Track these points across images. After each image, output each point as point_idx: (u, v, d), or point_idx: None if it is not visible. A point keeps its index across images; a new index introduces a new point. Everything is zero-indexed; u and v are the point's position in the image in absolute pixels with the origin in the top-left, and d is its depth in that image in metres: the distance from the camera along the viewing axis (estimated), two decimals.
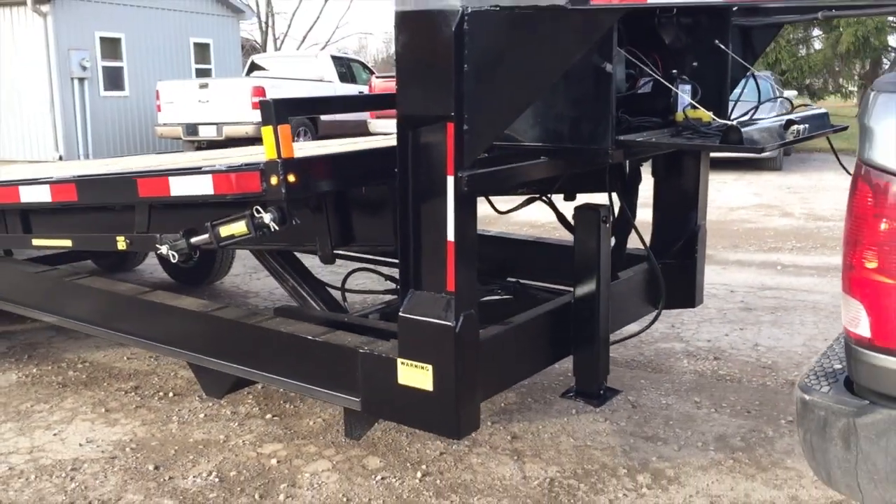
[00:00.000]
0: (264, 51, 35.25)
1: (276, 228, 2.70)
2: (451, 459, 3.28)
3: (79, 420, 3.74)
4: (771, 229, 7.97)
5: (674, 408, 3.75)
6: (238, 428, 3.60)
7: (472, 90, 2.26)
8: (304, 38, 39.26)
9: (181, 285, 5.91)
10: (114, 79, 16.10)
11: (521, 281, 3.71)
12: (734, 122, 2.38)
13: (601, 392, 3.17)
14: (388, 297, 3.81)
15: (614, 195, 3.31)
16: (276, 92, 13.54)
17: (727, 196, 10.25)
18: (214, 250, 5.68)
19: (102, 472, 3.24)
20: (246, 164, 2.70)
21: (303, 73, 15.34)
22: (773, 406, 3.75)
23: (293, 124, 10.48)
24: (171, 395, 4.00)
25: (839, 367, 1.96)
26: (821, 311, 5.22)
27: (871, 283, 1.70)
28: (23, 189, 3.44)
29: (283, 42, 38.17)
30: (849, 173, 3.15)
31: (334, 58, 16.15)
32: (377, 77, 13.92)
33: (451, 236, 2.35)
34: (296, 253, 3.94)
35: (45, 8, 14.93)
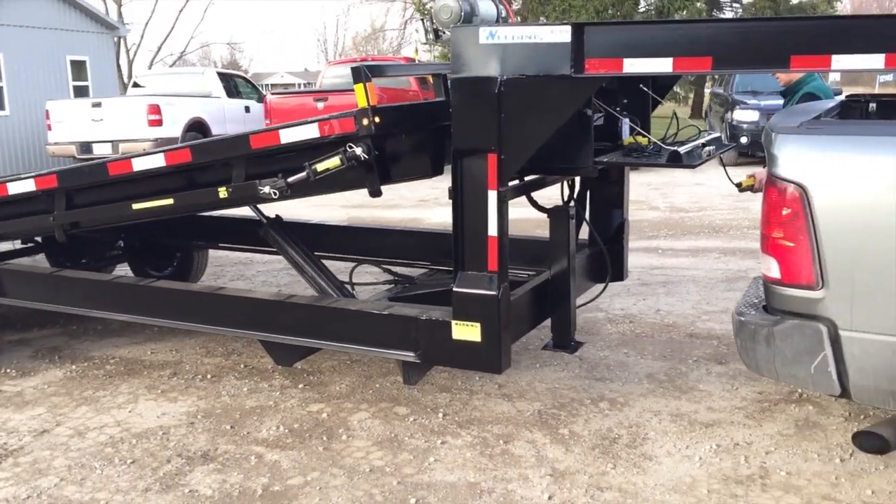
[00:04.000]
0: (118, 61, 34.71)
1: (366, 158, 3.64)
2: (459, 404, 4.31)
3: (143, 400, 4.51)
4: (645, 221, 9.42)
5: (610, 358, 4.94)
6: (280, 396, 4.49)
7: (507, 131, 3.32)
8: (159, 48, 39.10)
9: None
10: None
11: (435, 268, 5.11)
12: (675, 148, 3.55)
13: (572, 343, 4.30)
14: (387, 287, 4.79)
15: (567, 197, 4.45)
16: (170, 109, 14.01)
17: None
18: (190, 253, 6.48)
19: (190, 434, 4.06)
20: (343, 113, 3.69)
21: (189, 89, 15.74)
22: (682, 351, 5.01)
23: (186, 135, 11.24)
24: (208, 376, 4.82)
25: (756, 301, 3.16)
26: (699, 282, 6.60)
27: (779, 246, 2.89)
28: (136, 160, 4.21)
29: (135, 53, 37.76)
30: (731, 181, 4.44)
31: (220, 73, 16.63)
32: (272, 94, 14.61)
33: (492, 232, 3.40)
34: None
35: None
